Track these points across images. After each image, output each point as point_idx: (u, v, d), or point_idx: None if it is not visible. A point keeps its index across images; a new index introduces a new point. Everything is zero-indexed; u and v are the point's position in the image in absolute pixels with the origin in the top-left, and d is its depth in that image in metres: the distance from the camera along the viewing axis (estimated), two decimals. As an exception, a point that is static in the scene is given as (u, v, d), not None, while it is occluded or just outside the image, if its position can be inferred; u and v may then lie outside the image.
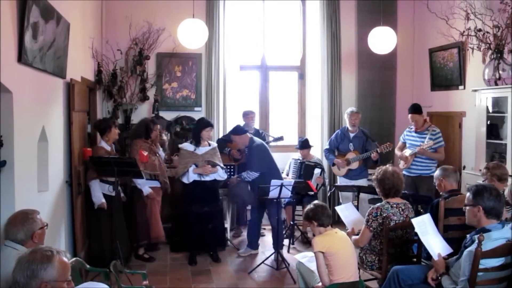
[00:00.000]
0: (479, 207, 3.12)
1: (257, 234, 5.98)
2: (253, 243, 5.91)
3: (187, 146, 5.60)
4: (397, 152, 6.18)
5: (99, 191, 4.99)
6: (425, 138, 5.76)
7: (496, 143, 5.54)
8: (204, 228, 5.55)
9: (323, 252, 3.61)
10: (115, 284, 3.55)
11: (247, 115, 6.65)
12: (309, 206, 3.83)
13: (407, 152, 5.90)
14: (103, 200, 4.98)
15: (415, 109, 5.94)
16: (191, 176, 5.47)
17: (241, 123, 6.68)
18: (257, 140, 5.80)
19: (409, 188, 5.82)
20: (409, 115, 5.94)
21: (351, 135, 6.35)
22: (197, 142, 5.58)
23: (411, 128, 6.00)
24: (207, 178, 5.56)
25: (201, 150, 5.57)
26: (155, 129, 5.71)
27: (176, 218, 5.89)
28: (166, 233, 5.89)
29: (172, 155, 6.41)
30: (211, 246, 5.72)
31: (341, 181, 6.42)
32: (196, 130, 5.63)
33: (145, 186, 5.47)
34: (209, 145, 5.68)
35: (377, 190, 4.07)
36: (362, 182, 6.13)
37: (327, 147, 6.56)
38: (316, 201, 3.89)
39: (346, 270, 3.64)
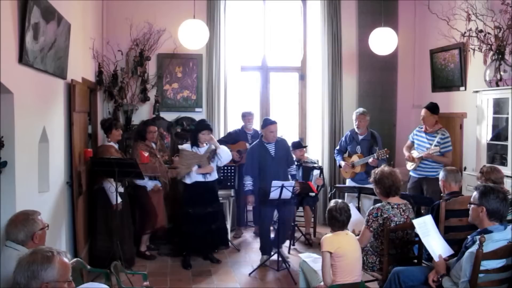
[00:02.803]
0: (483, 207, 3.11)
1: (270, 238, 5.71)
2: (268, 249, 5.59)
3: (188, 147, 5.56)
4: (405, 151, 6.09)
5: (114, 192, 5.03)
6: (433, 140, 5.68)
7: (497, 144, 5.53)
8: (208, 229, 5.53)
9: (331, 253, 3.61)
10: (115, 285, 3.55)
11: (245, 116, 6.64)
12: (332, 204, 3.79)
13: (415, 153, 5.83)
14: (120, 200, 5.07)
15: (430, 107, 5.76)
16: (193, 176, 5.45)
17: (241, 123, 6.70)
18: None
19: (414, 189, 5.80)
20: (422, 110, 5.82)
21: (360, 137, 6.21)
22: (195, 144, 5.52)
23: (421, 128, 5.89)
24: (210, 178, 5.55)
25: (202, 150, 5.54)
26: (148, 130, 5.72)
27: (176, 219, 5.86)
28: (166, 235, 5.91)
29: (173, 156, 6.42)
30: (214, 247, 5.71)
31: (349, 184, 6.34)
32: (194, 132, 5.60)
33: (147, 182, 5.56)
34: (207, 144, 5.60)
35: (377, 191, 4.06)
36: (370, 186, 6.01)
37: (338, 147, 6.50)
38: (340, 204, 3.80)
39: (351, 273, 3.64)
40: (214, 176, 5.63)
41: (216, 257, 5.68)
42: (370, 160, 5.90)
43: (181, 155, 5.55)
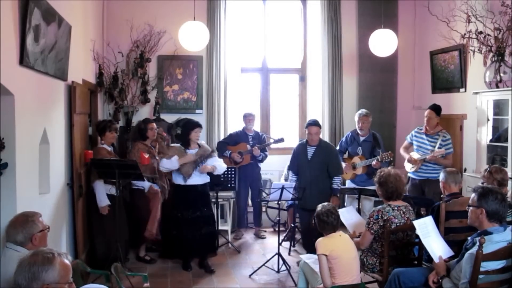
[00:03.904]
0: (482, 209, 3.11)
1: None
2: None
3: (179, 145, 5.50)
4: (403, 153, 6.07)
5: (104, 194, 5.01)
6: (435, 142, 5.68)
7: (497, 145, 5.53)
8: (196, 234, 5.35)
9: (326, 255, 3.62)
10: (116, 286, 3.55)
11: (246, 117, 6.64)
12: (319, 209, 3.82)
13: (416, 155, 5.81)
14: (107, 203, 5.01)
15: (435, 108, 5.76)
16: (174, 162, 5.25)
17: (242, 125, 6.70)
18: None
19: (415, 191, 5.78)
20: (427, 110, 5.81)
21: (361, 138, 6.19)
22: (187, 145, 5.41)
23: (421, 130, 5.88)
24: (199, 182, 5.38)
25: (192, 151, 5.40)
26: (149, 127, 5.68)
27: (166, 222, 5.68)
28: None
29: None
30: (201, 252, 5.52)
31: (348, 185, 6.32)
32: (185, 132, 5.46)
33: (145, 183, 5.45)
34: (199, 146, 5.49)
35: (379, 192, 4.06)
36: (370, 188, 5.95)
37: (338, 148, 6.45)
38: (326, 206, 3.82)
39: (349, 274, 3.65)
40: (200, 180, 5.42)
41: (210, 266, 5.44)
42: (374, 162, 5.88)
43: (170, 147, 5.50)
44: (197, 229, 5.37)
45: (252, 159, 6.52)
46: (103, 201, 5.01)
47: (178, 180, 5.38)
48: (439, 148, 5.60)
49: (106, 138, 5.35)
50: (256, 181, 6.65)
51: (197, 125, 5.46)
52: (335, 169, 5.48)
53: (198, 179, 5.38)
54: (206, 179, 5.48)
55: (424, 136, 5.81)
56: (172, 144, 5.62)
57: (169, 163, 5.28)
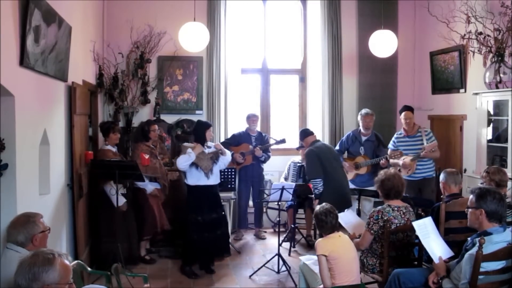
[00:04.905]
0: (482, 210, 3.12)
1: None
2: None
3: (190, 145, 5.42)
4: (392, 160, 6.09)
5: (119, 193, 5.02)
6: (421, 139, 5.75)
7: (497, 146, 5.54)
8: (213, 236, 5.31)
9: (325, 256, 3.62)
10: (116, 287, 3.56)
11: (249, 118, 6.65)
12: (318, 209, 3.83)
13: (408, 158, 5.83)
14: (123, 201, 5.12)
15: (410, 108, 5.92)
16: (191, 155, 5.20)
17: (243, 126, 6.70)
18: (318, 144, 5.71)
19: (412, 191, 5.79)
20: (403, 113, 5.91)
21: (363, 138, 6.20)
22: (203, 143, 5.38)
23: (400, 134, 5.97)
24: (212, 182, 5.35)
25: (206, 150, 5.41)
26: (152, 129, 5.71)
27: (180, 223, 5.66)
28: (168, 238, 5.90)
29: (173, 158, 6.42)
30: (218, 254, 5.54)
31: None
32: (200, 131, 5.39)
33: (147, 185, 5.53)
34: (209, 147, 5.49)
35: (379, 192, 4.08)
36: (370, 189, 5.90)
37: (337, 147, 6.48)
38: (325, 206, 3.83)
39: (349, 274, 3.65)
40: (216, 179, 5.45)
41: (211, 267, 5.43)
42: (383, 161, 5.89)
43: (183, 147, 5.45)
44: (214, 231, 5.34)
45: (254, 159, 6.53)
46: (120, 201, 5.04)
47: (195, 180, 5.29)
48: (429, 142, 5.65)
49: (110, 139, 5.41)
50: (258, 182, 6.64)
51: (210, 125, 5.56)
52: (306, 174, 5.63)
53: (215, 179, 5.40)
54: (218, 179, 5.50)
55: (407, 139, 5.89)
56: (185, 144, 5.60)
57: (186, 157, 5.22)
